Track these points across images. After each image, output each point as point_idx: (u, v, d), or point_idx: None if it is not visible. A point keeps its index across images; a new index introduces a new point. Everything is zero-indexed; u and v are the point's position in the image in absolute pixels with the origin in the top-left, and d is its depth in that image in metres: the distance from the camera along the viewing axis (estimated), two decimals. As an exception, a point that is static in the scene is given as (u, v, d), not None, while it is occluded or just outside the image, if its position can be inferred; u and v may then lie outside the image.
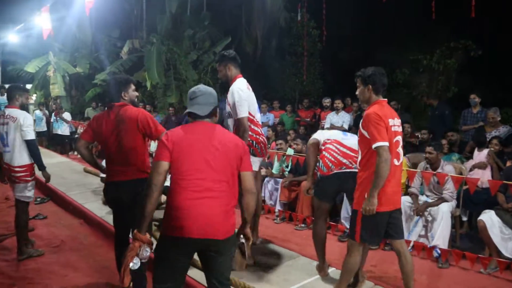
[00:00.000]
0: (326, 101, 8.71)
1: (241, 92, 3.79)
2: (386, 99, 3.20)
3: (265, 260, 4.16)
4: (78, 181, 7.68)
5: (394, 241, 3.29)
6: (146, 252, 2.48)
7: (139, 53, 14.70)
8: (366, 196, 3.01)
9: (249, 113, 3.85)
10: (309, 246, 4.85)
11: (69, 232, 5.36)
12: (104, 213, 5.67)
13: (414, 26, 15.27)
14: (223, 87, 15.70)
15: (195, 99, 2.58)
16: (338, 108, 8.08)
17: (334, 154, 3.64)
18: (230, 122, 3.98)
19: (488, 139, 5.70)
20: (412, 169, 5.14)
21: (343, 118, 7.97)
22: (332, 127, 7.95)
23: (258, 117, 4.04)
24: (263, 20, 16.64)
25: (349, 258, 3.28)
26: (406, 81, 14.79)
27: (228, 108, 3.95)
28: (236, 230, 2.67)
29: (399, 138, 3.14)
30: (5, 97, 11.78)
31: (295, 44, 15.41)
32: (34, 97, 15.92)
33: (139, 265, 2.47)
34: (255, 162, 3.90)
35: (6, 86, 18.03)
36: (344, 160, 3.60)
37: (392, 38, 15.83)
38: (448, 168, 4.84)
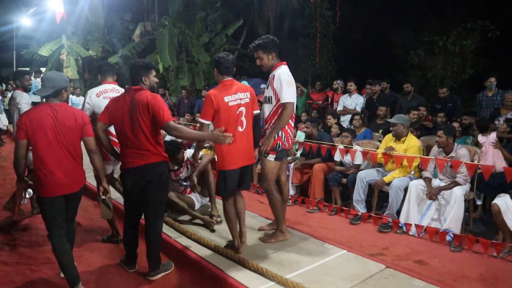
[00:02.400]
0: (336, 84, 8.59)
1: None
2: (232, 78, 3.86)
3: (277, 242, 4.18)
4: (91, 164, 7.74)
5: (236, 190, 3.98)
6: (30, 193, 3.83)
7: (151, 36, 14.69)
8: (216, 158, 3.86)
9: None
10: (321, 229, 4.89)
11: (84, 214, 5.45)
12: (118, 195, 5.74)
13: (430, 6, 14.96)
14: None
15: (43, 83, 3.38)
16: (351, 91, 7.98)
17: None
18: None
19: (499, 122, 5.63)
20: (425, 156, 5.08)
21: (356, 100, 7.87)
22: (345, 109, 7.88)
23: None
24: (276, 1, 16.44)
25: (224, 211, 3.91)
26: (421, 63, 14.52)
27: None
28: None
29: (243, 108, 3.79)
30: (38, 80, 11.86)
31: (308, 26, 15.21)
32: (39, 79, 16.07)
33: (26, 201, 4.00)
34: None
35: (16, 69, 18.17)
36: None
37: (407, 19, 15.54)
38: (462, 151, 4.78)
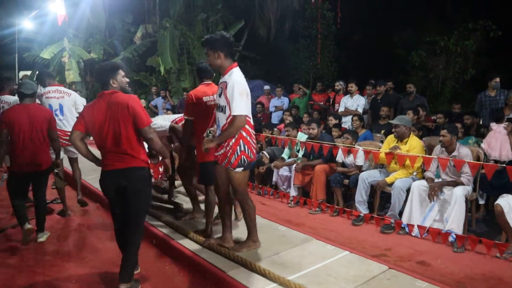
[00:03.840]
0: (338, 84, 8.59)
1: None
2: (209, 81, 4.42)
3: (279, 244, 4.18)
4: (94, 165, 7.69)
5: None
6: (4, 176, 4.99)
7: (152, 38, 14.71)
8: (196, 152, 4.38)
9: None
10: (323, 230, 4.89)
11: (86, 216, 5.45)
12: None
13: (431, 7, 14.95)
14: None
15: (25, 85, 4.58)
16: (352, 92, 7.96)
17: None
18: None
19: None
20: (428, 155, 5.07)
21: (358, 101, 7.85)
22: (347, 110, 7.87)
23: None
24: (277, 3, 16.46)
25: (207, 197, 4.37)
26: (422, 63, 14.51)
27: None
28: None
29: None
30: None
31: (309, 27, 15.21)
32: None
33: (2, 184, 5.11)
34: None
35: (22, 73, 18.26)
36: None
37: (409, 19, 15.53)
38: (464, 150, 4.78)
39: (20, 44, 17.18)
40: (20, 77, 18.36)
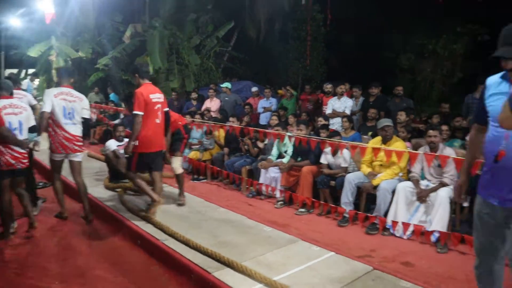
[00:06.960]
0: (328, 87, 8.62)
1: None
2: (150, 82, 5.08)
3: (265, 244, 4.18)
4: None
5: (152, 172, 5.10)
6: None
7: (141, 38, 14.60)
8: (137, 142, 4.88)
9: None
10: (309, 231, 4.90)
11: (70, 217, 5.39)
12: (106, 197, 5.75)
13: (420, 10, 15.03)
14: (225, 72, 15.68)
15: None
16: (341, 94, 8.00)
17: None
18: None
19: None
20: (414, 151, 5.10)
21: (345, 103, 7.89)
22: (334, 112, 7.90)
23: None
24: (267, 4, 16.46)
25: (137, 182, 4.96)
26: (410, 66, 14.64)
27: None
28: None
29: (159, 105, 4.99)
30: (35, 82, 11.70)
31: (299, 29, 15.24)
32: (37, 82, 15.88)
33: None
34: None
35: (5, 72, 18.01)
36: None
37: (397, 22, 15.59)
38: (448, 151, 4.84)
39: (8, 42, 16.99)
40: (6, 75, 18.15)
